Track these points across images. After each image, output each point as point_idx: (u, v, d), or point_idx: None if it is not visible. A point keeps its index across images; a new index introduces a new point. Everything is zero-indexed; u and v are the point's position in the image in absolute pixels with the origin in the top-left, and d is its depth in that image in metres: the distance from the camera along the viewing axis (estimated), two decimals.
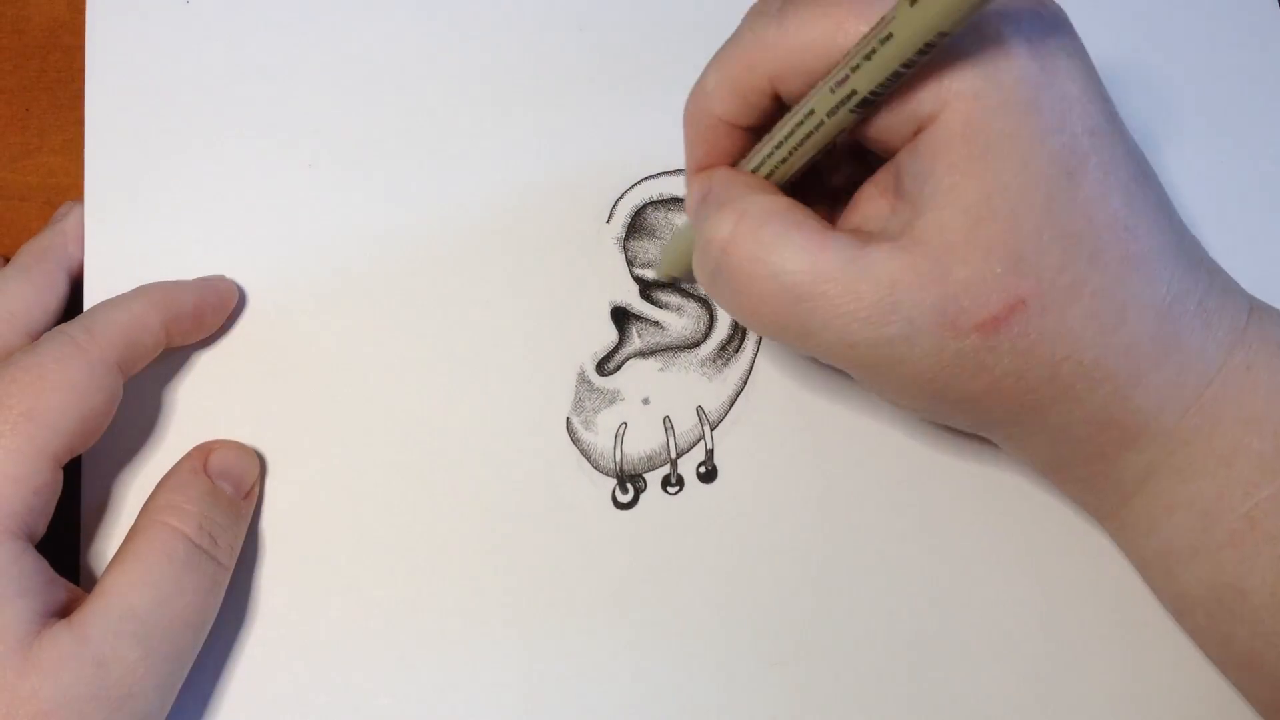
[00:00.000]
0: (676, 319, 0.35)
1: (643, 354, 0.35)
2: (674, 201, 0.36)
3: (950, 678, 0.32)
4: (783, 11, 0.26)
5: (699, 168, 0.29)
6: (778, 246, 0.26)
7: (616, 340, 0.35)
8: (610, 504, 0.34)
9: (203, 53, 0.36)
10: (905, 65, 0.23)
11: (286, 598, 0.33)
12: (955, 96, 0.24)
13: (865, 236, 0.26)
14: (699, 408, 0.35)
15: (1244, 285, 0.28)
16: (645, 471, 0.34)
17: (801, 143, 0.27)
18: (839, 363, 0.27)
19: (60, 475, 0.29)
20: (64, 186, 0.37)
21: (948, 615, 0.33)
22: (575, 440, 0.34)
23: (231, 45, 0.36)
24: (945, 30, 0.22)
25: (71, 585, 0.29)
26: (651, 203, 0.36)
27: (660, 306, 0.35)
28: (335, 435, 0.34)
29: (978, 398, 0.26)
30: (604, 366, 0.35)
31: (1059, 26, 0.26)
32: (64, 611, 0.28)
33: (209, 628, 0.30)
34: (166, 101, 0.36)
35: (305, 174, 0.36)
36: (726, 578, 0.33)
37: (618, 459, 0.34)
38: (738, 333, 0.35)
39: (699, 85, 0.28)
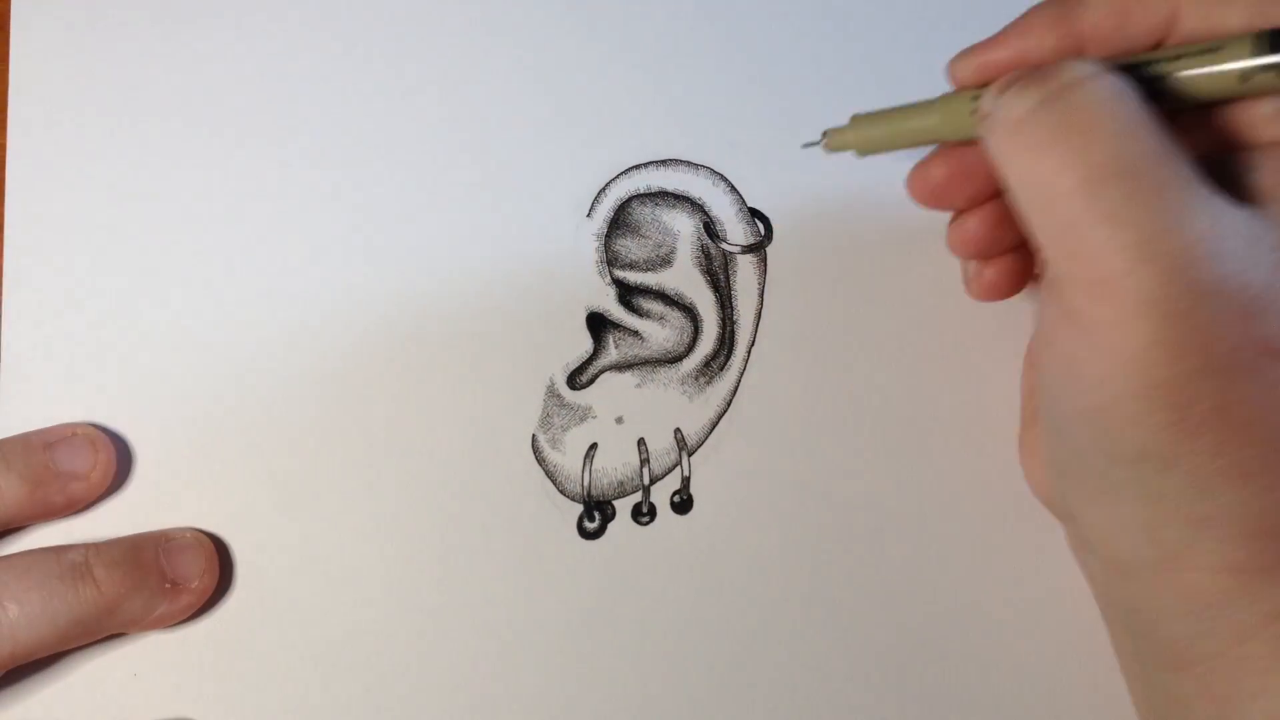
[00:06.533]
0: (658, 329, 0.32)
1: (619, 367, 0.32)
2: (663, 196, 0.32)
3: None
4: None
5: (1001, 69, 0.25)
6: (1135, 112, 0.22)
7: (591, 350, 0.32)
8: (575, 532, 0.31)
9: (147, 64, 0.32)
10: None
11: (231, 630, 0.31)
12: None
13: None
14: (677, 430, 0.32)
15: None
16: (615, 498, 0.31)
17: (1194, 68, 0.23)
18: (1089, 280, 0.22)
19: None
20: None
21: (934, 660, 0.31)
22: (540, 460, 0.31)
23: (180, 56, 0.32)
24: None
25: None
26: (639, 196, 0.32)
27: (641, 315, 0.32)
28: (276, 443, 0.31)
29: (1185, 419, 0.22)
30: (576, 379, 0.32)
31: None
32: None
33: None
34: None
35: (257, 157, 0.32)
36: (698, 618, 0.31)
37: (585, 483, 0.31)
38: (724, 348, 0.32)
39: None
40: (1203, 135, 0.25)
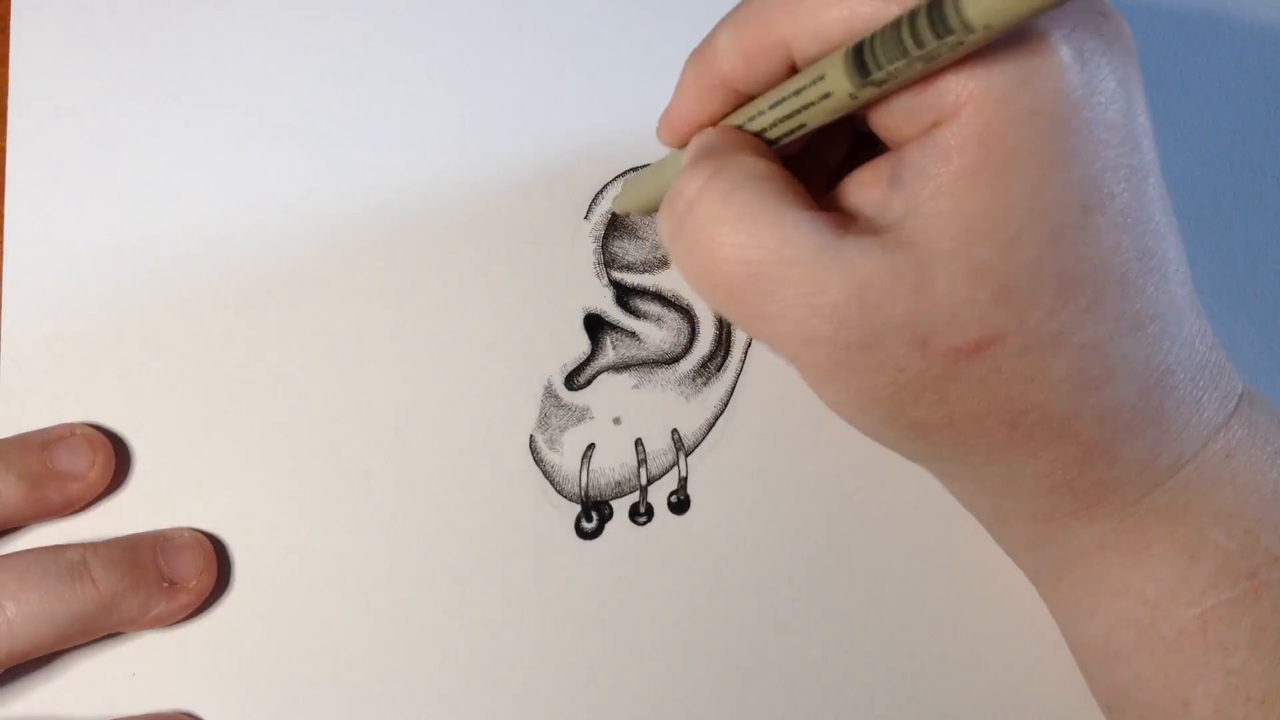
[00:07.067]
0: (655, 330, 0.32)
1: (616, 368, 0.32)
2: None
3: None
4: None
5: (683, 126, 0.26)
6: (746, 215, 0.23)
7: (588, 351, 0.32)
8: (573, 532, 0.31)
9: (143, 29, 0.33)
10: (927, 57, 0.20)
11: (229, 629, 0.31)
12: (982, 96, 0.21)
13: (847, 223, 0.23)
14: (674, 431, 0.32)
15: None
16: (613, 498, 0.32)
17: (806, 107, 0.23)
18: (788, 357, 0.24)
19: None
20: None
21: (932, 659, 0.31)
22: (538, 460, 0.32)
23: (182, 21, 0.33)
24: (984, 27, 0.19)
25: None
26: None
27: (638, 316, 0.32)
28: (274, 443, 0.31)
29: (929, 429, 0.24)
30: (574, 380, 0.32)
31: (1116, 45, 0.23)
32: None
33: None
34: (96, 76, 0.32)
35: (257, 160, 0.32)
36: (695, 618, 0.31)
37: (583, 483, 0.32)
38: (721, 349, 0.32)
39: (708, 39, 0.25)
40: (860, 141, 0.27)
